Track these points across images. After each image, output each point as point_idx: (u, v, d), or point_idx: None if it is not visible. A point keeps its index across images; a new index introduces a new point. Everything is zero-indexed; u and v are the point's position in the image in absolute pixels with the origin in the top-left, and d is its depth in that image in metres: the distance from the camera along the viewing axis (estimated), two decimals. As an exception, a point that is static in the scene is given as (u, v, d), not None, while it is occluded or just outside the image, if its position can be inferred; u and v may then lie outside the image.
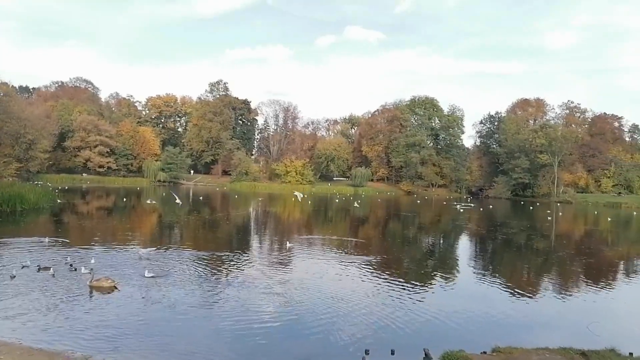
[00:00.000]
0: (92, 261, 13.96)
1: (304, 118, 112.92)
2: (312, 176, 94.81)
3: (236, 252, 17.51)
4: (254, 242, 22.48)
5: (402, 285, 13.26)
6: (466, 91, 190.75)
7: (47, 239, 17.53)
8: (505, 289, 13.59)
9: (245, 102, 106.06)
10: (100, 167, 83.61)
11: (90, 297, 10.71)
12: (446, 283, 14.20)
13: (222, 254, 16.85)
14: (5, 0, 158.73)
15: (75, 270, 12.27)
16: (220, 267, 14.74)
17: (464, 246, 24.79)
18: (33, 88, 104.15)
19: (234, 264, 15.24)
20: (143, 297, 10.79)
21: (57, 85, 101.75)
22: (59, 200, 35.98)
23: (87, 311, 9.59)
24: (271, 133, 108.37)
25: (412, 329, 9.65)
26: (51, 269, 12.83)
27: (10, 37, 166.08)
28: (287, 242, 19.73)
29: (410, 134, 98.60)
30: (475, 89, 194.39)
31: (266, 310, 10.41)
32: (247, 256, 16.78)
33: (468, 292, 13.22)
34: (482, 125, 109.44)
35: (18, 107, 67.25)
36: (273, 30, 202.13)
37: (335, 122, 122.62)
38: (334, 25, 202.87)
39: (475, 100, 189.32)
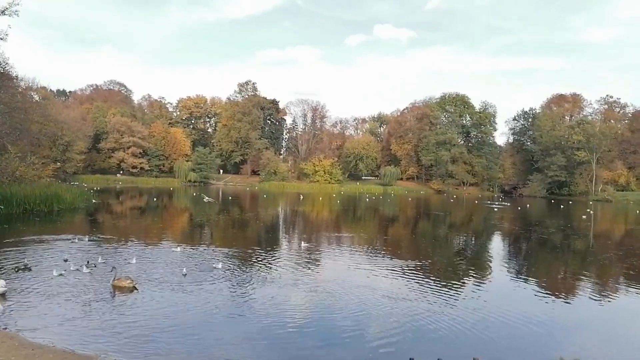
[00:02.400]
0: (134, 260, 14.01)
1: (332, 117, 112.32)
2: (340, 175, 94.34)
3: (266, 251, 17.40)
4: (284, 240, 22.26)
5: (438, 288, 12.70)
6: (498, 88, 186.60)
7: (86, 238, 17.92)
8: (544, 293, 12.77)
9: (274, 102, 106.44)
10: (133, 167, 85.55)
11: (114, 297, 10.63)
12: (480, 285, 13.43)
13: (252, 253, 16.74)
14: (44, 9, 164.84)
15: (113, 269, 12.20)
16: (251, 266, 14.58)
17: (499, 246, 23.84)
18: (70, 91, 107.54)
19: (265, 263, 15.07)
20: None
21: (92, 88, 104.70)
22: (94, 200, 36.82)
23: (119, 312, 9.48)
24: (299, 132, 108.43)
25: (453, 334, 9.14)
26: (84, 267, 12.95)
27: (49, 44, 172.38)
28: (316, 241, 19.45)
29: (440, 132, 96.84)
30: (507, 86, 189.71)
31: (297, 312, 10.11)
32: (277, 255, 16.54)
33: (505, 295, 12.52)
34: (516, 121, 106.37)
35: (56, 110, 69.47)
36: (302, 31, 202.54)
37: (364, 120, 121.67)
38: (363, 24, 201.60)
39: (507, 97, 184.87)
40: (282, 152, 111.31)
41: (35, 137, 51.86)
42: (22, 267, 12.84)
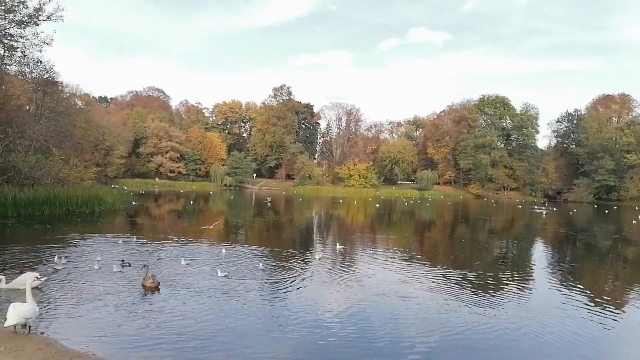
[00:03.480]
0: (183, 262, 13.60)
1: (366, 121, 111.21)
2: (375, 179, 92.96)
3: (301, 253, 16.76)
4: (319, 243, 21.39)
5: (478, 295, 11.50)
6: (537, 90, 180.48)
7: (133, 238, 17.87)
8: (592, 304, 11.15)
9: (308, 106, 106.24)
10: (171, 172, 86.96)
11: (145, 295, 10.27)
12: (523, 294, 11.95)
13: (287, 255, 16.08)
14: (86, 20, 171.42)
15: (145, 266, 11.67)
16: (285, 268, 13.93)
17: (543, 253, 22.01)
18: (111, 98, 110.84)
19: (299, 265, 14.41)
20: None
21: (132, 94, 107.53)
22: (134, 203, 37.12)
23: (165, 318, 8.81)
24: (334, 136, 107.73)
25: (492, 345, 8.21)
26: (130, 264, 12.92)
27: (91, 52, 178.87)
28: (356, 244, 18.66)
29: (479, 135, 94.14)
30: (546, 88, 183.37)
31: (332, 318, 9.34)
32: (312, 257, 15.70)
33: (549, 305, 10.95)
34: (559, 124, 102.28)
35: (98, 116, 71.58)
36: (335, 36, 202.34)
37: (399, 124, 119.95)
38: (397, 28, 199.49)
39: (547, 99, 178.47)
40: (316, 156, 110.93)
41: (78, 141, 53.37)
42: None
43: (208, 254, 15.70)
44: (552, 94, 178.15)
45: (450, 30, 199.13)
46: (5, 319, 7.19)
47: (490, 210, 54.42)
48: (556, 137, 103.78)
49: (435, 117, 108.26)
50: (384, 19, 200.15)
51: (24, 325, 7.41)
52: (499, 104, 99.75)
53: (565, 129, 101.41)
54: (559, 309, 10.65)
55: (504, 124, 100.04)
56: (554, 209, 58.98)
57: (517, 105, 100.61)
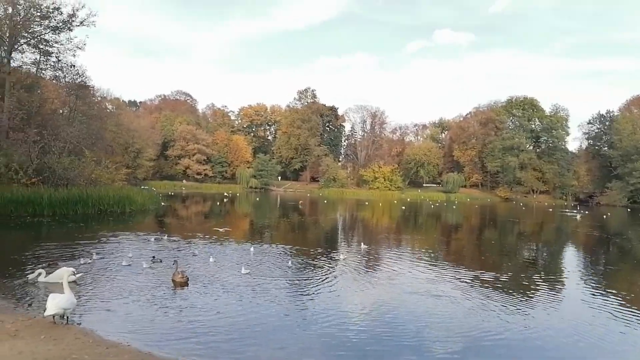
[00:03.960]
0: (211, 259, 13.80)
1: (391, 123, 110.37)
2: (400, 182, 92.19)
3: (328, 252, 16.73)
4: (346, 243, 21.31)
5: (506, 299, 11.07)
6: (566, 91, 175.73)
7: (165, 236, 18.32)
8: (626, 312, 10.49)
9: (333, 109, 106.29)
10: (198, 174, 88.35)
11: (175, 290, 10.49)
12: (553, 299, 11.42)
13: (315, 254, 16.11)
14: (116, 26, 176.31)
15: (175, 262, 11.84)
16: (313, 266, 13.98)
17: (575, 257, 21.17)
18: (140, 101, 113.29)
19: (327, 263, 14.42)
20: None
21: (160, 98, 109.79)
22: (162, 203, 37.83)
23: (195, 311, 8.94)
24: (358, 139, 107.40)
25: (519, 351, 7.88)
26: (161, 260, 13.33)
27: (121, 57, 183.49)
28: (378, 245, 18.45)
29: (507, 137, 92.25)
30: (577, 88, 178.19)
31: (357, 317, 9.22)
32: (339, 257, 15.60)
33: (580, 312, 10.41)
34: (591, 125, 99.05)
35: (127, 120, 73.39)
36: (360, 39, 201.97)
37: (424, 126, 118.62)
38: (422, 30, 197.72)
39: (578, 100, 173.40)
40: (341, 159, 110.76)
41: (109, 144, 54.86)
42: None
43: (236, 252, 15.86)
44: (582, 94, 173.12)
45: (476, 31, 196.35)
46: (45, 309, 7.41)
47: (519, 213, 53.22)
48: (587, 139, 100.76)
49: (461, 119, 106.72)
50: (409, 21, 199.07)
51: (62, 316, 7.64)
52: (528, 106, 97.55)
53: (597, 130, 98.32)
54: (591, 314, 10.19)
55: (533, 126, 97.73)
56: (586, 212, 57.23)
57: (547, 107, 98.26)
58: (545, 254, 21.83)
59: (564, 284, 13.63)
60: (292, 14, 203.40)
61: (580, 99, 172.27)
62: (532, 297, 11.61)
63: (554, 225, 39.55)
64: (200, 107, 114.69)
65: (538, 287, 12.74)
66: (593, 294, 12.24)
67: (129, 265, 12.68)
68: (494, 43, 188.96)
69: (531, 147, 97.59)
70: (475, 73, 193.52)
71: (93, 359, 5.80)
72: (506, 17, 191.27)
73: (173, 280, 11.01)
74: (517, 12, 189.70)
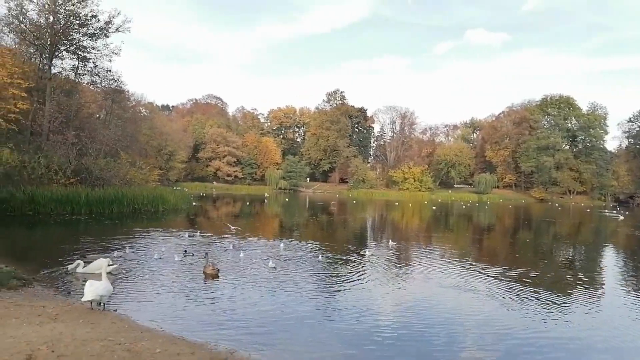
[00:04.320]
0: (241, 254, 14.04)
1: (421, 124, 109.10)
2: (431, 183, 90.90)
3: (357, 250, 16.56)
4: (374, 242, 21.13)
5: (541, 302, 10.43)
6: (606, 89, 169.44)
7: (198, 232, 18.80)
8: None
9: (362, 110, 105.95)
10: (228, 175, 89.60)
11: (206, 282, 10.73)
12: (590, 303, 10.63)
13: (344, 250, 16.14)
14: (150, 32, 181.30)
15: (206, 255, 12.07)
16: (343, 261, 13.99)
17: (615, 260, 20.06)
18: (172, 106, 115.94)
19: (354, 260, 14.36)
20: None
21: (192, 102, 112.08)
22: (194, 203, 38.56)
23: (223, 300, 9.09)
24: (388, 140, 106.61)
25: (554, 357, 7.39)
26: (193, 254, 13.66)
27: (153, 64, 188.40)
28: (408, 244, 18.23)
29: (542, 136, 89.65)
30: (616, 86, 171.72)
31: (386, 317, 8.94)
32: (367, 254, 15.44)
33: (619, 318, 9.61)
34: (631, 124, 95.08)
35: (160, 123, 75.24)
36: (389, 41, 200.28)
37: (455, 127, 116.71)
38: (453, 30, 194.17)
39: (617, 97, 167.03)
40: (370, 160, 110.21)
41: (143, 147, 56.46)
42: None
43: (266, 248, 16.06)
44: (621, 92, 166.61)
45: (509, 30, 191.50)
46: (83, 295, 7.69)
47: (555, 213, 51.56)
48: (628, 137, 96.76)
49: (493, 118, 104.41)
50: (440, 21, 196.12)
51: (99, 303, 7.89)
52: (563, 104, 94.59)
53: (638, 129, 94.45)
54: (631, 319, 9.53)
55: (569, 125, 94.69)
56: (627, 213, 54.96)
57: (583, 105, 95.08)
58: (583, 254, 21.07)
59: (605, 285, 13.01)
60: (320, 18, 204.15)
61: (620, 97, 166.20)
62: (570, 298, 11.10)
63: (593, 225, 38.17)
64: (231, 110, 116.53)
65: (576, 287, 12.20)
66: (635, 298, 11.58)
67: (161, 258, 13.04)
68: (526, 42, 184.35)
69: (567, 147, 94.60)
70: (507, 72, 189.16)
71: (128, 342, 5.96)
72: (540, 14, 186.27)
73: (204, 272, 11.22)
74: (551, 9, 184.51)
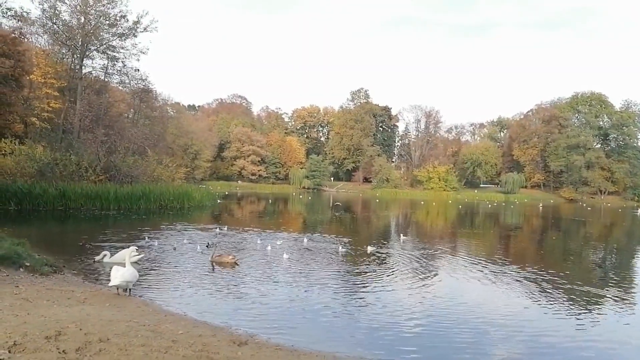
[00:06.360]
0: (268, 248, 14.26)
1: (446, 123, 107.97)
2: (456, 182, 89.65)
3: (381, 246, 16.53)
4: (399, 239, 20.92)
5: (570, 305, 9.90)
6: (637, 86, 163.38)
7: (225, 228, 19.17)
8: None
9: (386, 109, 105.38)
10: (252, 174, 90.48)
11: (213, 270, 11.12)
12: (621, 306, 9.98)
13: (366, 247, 15.86)
14: (176, 33, 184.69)
15: (214, 245, 12.26)
16: (363, 258, 13.88)
17: None
18: (198, 105, 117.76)
19: (378, 256, 14.23)
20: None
21: (217, 102, 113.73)
22: (219, 201, 39.10)
23: (241, 288, 9.22)
24: (412, 139, 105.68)
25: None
26: (216, 245, 13.78)
27: (180, 65, 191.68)
28: (433, 241, 18.02)
29: (572, 135, 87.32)
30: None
31: (411, 310, 8.80)
32: (391, 252, 15.38)
33: None
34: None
35: (186, 123, 76.50)
36: (416, 39, 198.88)
37: (482, 125, 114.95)
38: (480, 28, 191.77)
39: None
40: (394, 159, 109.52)
41: (169, 145, 57.59)
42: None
43: (289, 242, 16.20)
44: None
45: (537, 27, 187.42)
46: (110, 281, 7.93)
47: (585, 213, 50.05)
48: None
49: (521, 117, 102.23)
50: (467, 20, 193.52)
51: (125, 289, 8.12)
52: (595, 102, 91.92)
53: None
54: None
55: (601, 123, 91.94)
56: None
57: (616, 103, 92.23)
58: (615, 254, 20.38)
59: (638, 286, 12.48)
60: (344, 17, 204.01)
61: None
62: (602, 298, 10.59)
63: (626, 226, 36.96)
64: (255, 109, 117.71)
65: (608, 288, 11.67)
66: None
67: (185, 249, 13.32)
68: (556, 39, 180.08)
69: (599, 145, 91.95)
70: (536, 70, 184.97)
71: (152, 324, 6.12)
72: (570, 11, 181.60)
73: (215, 262, 11.60)
74: (581, 5, 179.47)
